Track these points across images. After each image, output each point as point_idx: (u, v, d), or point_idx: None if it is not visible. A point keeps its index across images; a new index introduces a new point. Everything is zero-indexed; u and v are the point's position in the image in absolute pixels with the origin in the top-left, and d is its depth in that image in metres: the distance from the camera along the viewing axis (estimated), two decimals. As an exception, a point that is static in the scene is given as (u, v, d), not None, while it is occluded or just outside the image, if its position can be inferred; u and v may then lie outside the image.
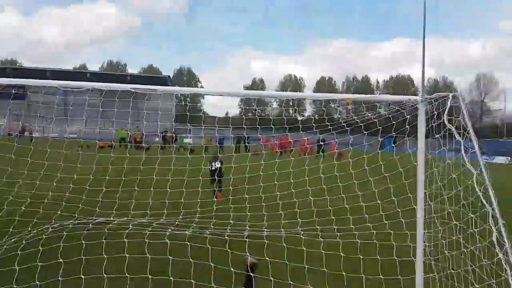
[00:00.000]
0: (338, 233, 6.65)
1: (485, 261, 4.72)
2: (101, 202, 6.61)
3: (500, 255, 4.03)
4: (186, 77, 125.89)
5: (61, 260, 5.85)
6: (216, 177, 14.78)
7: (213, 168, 15.47)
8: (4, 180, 6.26)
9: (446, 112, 4.81)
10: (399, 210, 6.27)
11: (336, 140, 6.90)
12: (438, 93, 5.30)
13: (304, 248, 6.13)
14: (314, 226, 6.96)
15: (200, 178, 7.13)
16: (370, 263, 6.52)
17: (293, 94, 5.59)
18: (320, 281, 6.21)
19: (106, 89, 5.26)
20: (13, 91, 5.51)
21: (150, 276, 5.84)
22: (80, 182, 6.79)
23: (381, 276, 5.92)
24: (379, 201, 6.42)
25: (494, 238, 4.12)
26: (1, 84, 5.31)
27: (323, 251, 6.22)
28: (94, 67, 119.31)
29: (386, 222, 6.44)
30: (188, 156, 6.68)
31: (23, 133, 42.21)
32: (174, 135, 42.78)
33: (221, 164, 15.77)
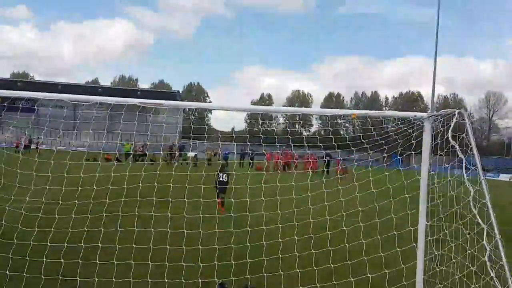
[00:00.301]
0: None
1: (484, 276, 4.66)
2: (105, 216, 6.53)
3: (492, 274, 3.98)
4: (195, 92, 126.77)
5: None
6: (221, 187, 15.00)
7: (220, 179, 15.73)
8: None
9: (451, 129, 4.80)
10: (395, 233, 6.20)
11: (341, 157, 6.87)
12: (444, 110, 5.29)
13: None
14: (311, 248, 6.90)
15: (202, 185, 7.02)
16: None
17: (298, 110, 5.57)
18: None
19: (115, 103, 5.33)
20: (21, 105, 5.55)
21: None
22: (84, 194, 6.77)
23: None
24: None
25: (486, 257, 4.09)
26: (11, 96, 5.35)
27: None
28: (106, 81, 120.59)
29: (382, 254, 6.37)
30: (188, 173, 6.60)
31: (29, 146, 42.58)
32: (179, 149, 43.01)
33: (228, 177, 16.11)
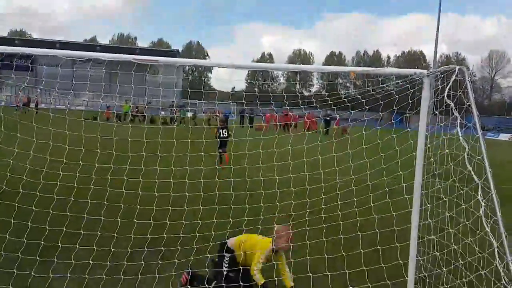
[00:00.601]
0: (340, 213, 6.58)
1: (476, 236, 4.70)
2: (112, 168, 6.48)
3: (487, 229, 4.02)
4: (195, 51, 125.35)
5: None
6: (222, 144, 16.16)
7: (221, 136, 16.80)
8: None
9: (448, 87, 4.72)
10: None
11: (339, 116, 6.74)
12: (444, 67, 5.18)
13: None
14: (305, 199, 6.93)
15: (203, 140, 6.95)
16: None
17: (297, 67, 5.46)
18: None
19: (113, 62, 5.23)
20: (15, 62, 5.45)
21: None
22: (88, 153, 6.74)
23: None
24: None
25: (481, 212, 4.12)
26: (6, 52, 5.21)
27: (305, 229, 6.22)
28: (104, 39, 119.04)
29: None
30: (190, 126, 6.58)
31: (28, 104, 42.54)
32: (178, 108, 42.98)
33: (228, 132, 17.42)
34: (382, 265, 5.72)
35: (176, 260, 5.98)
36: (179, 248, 6.14)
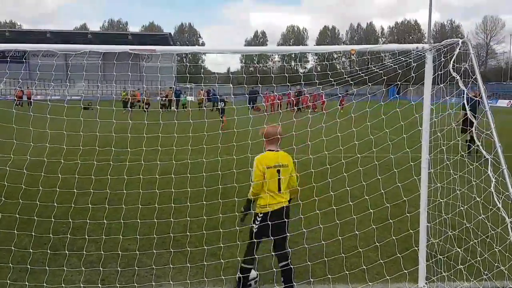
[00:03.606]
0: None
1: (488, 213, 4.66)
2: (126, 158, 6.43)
3: (499, 204, 3.99)
4: (187, 33, 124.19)
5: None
6: (220, 113, 21.92)
7: (219, 107, 23.90)
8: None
9: (453, 60, 4.65)
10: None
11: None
12: (446, 40, 5.09)
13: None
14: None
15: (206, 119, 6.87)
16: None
17: (295, 48, 5.32)
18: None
19: (106, 52, 5.11)
20: (9, 58, 5.34)
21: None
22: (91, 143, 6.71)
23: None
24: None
25: (492, 188, 4.08)
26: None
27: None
28: (95, 25, 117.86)
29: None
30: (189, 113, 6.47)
31: (21, 97, 42.35)
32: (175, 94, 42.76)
33: (225, 103, 24.50)
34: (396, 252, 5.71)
35: (188, 264, 5.88)
36: (189, 249, 6.12)
